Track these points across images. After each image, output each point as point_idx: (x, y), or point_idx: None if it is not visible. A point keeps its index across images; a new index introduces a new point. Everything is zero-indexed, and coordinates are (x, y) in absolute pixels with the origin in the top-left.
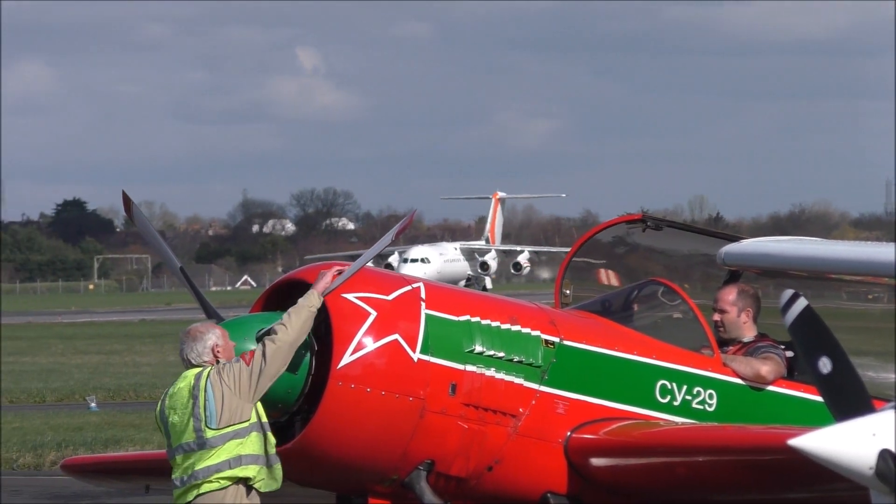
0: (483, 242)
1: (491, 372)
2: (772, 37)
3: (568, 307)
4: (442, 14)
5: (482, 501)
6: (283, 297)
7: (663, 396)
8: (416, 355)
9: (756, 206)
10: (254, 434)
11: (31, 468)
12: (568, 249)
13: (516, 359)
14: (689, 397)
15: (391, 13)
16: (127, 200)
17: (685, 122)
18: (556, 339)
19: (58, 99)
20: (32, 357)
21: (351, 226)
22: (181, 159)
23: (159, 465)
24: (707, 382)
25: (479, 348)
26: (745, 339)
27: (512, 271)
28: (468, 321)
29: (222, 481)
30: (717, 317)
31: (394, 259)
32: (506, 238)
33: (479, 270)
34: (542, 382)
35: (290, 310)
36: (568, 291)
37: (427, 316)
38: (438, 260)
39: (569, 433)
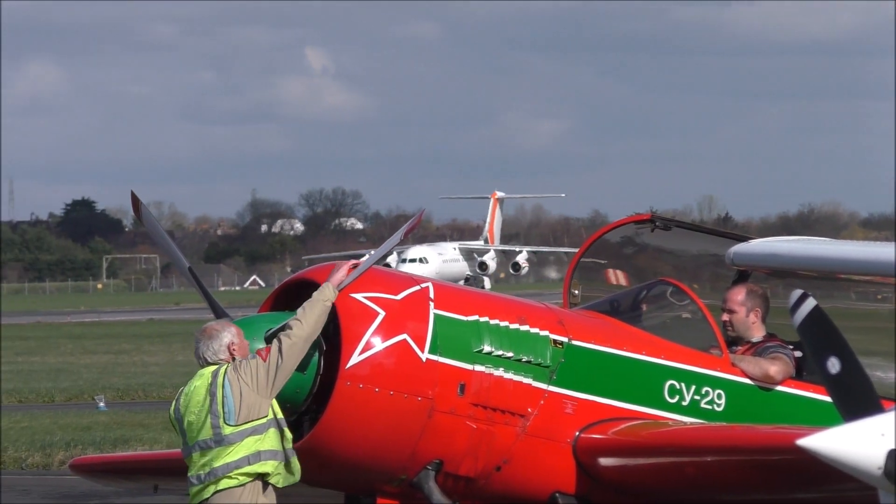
0: (482, 242)
1: (499, 372)
2: (779, 37)
3: (576, 307)
4: (449, 14)
5: (491, 501)
6: (291, 296)
7: (672, 396)
8: (425, 355)
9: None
10: (272, 430)
11: (39, 468)
12: (568, 249)
13: (525, 359)
14: (697, 397)
15: (399, 13)
16: (135, 200)
17: (693, 122)
18: (565, 339)
19: (66, 99)
20: (41, 357)
21: (359, 226)
22: (190, 159)
23: (168, 464)
24: (715, 382)
25: (487, 348)
26: (754, 340)
27: (510, 271)
28: (477, 321)
29: (241, 477)
30: (725, 317)
31: (392, 259)
32: (514, 238)
33: (478, 270)
34: (550, 382)
35: (304, 304)
36: (577, 291)
37: (435, 316)
38: (437, 260)
39: (577, 433)
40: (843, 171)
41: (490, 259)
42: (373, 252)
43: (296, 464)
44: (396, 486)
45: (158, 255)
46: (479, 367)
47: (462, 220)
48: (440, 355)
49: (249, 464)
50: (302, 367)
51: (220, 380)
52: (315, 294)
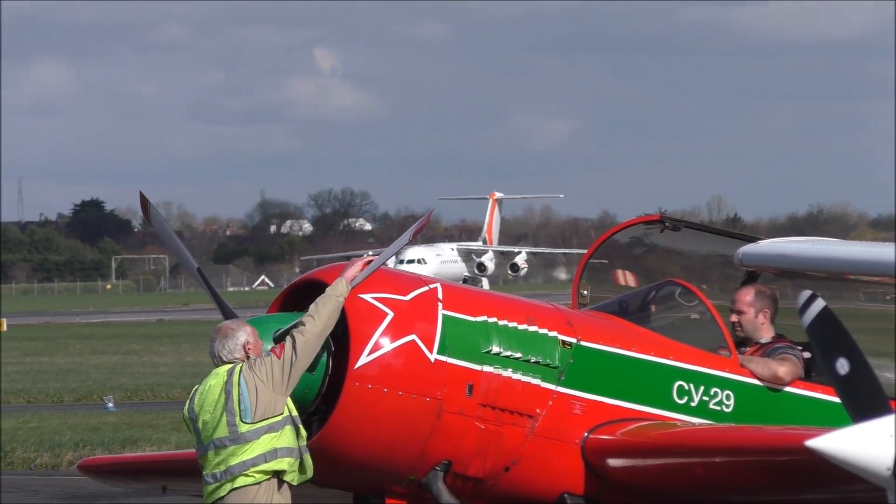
0: (480, 243)
1: (508, 372)
2: (790, 37)
3: (585, 308)
4: (459, 15)
5: (499, 502)
6: (300, 297)
7: (680, 397)
8: (434, 356)
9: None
10: (287, 427)
11: (48, 468)
12: (567, 250)
13: (533, 359)
14: (706, 398)
15: (409, 14)
16: (144, 201)
17: (702, 123)
18: (574, 340)
19: (75, 99)
20: (50, 357)
21: (368, 226)
22: (199, 160)
23: (176, 465)
24: (724, 383)
25: (496, 349)
26: (763, 340)
27: (509, 272)
28: (485, 322)
29: (257, 475)
30: (734, 318)
31: (390, 260)
32: (523, 238)
33: (476, 271)
34: (559, 383)
35: (317, 300)
36: (585, 292)
37: (444, 316)
38: (435, 261)
39: (586, 434)
40: (852, 171)
41: (488, 260)
42: (383, 252)
43: (308, 461)
44: (405, 487)
45: (167, 255)
46: (487, 368)
47: (471, 221)
48: (449, 356)
49: (266, 461)
50: (311, 367)
51: (235, 378)
52: (328, 289)
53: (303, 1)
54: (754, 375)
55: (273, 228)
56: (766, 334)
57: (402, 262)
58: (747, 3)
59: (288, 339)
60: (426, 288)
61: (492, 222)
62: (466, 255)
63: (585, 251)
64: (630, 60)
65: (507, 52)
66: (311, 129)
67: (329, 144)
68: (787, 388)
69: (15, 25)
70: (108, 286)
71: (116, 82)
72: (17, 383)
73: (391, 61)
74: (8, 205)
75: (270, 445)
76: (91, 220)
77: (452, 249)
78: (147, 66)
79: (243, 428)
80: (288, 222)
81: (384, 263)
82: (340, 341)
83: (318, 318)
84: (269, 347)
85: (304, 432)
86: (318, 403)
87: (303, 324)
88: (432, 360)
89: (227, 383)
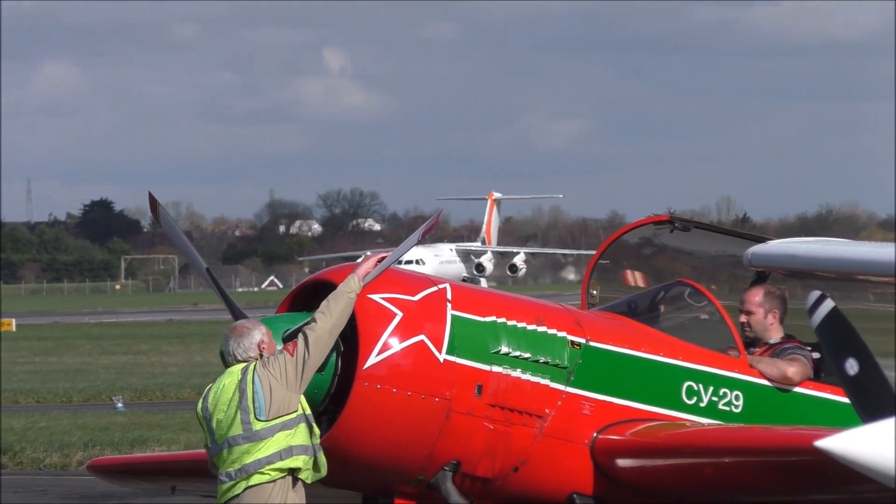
0: (479, 244)
1: (517, 373)
2: (799, 37)
3: (594, 308)
4: (468, 15)
5: (508, 502)
6: (309, 297)
7: (689, 397)
8: (442, 356)
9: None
10: (301, 425)
11: (57, 468)
12: (566, 251)
13: (542, 360)
14: (715, 398)
15: (418, 14)
16: (153, 201)
17: (712, 123)
18: (583, 340)
19: (85, 99)
20: (59, 357)
21: (377, 226)
22: (208, 160)
23: (186, 465)
24: (733, 384)
25: (505, 349)
26: (772, 341)
27: (508, 273)
28: (494, 322)
29: (272, 473)
30: (743, 318)
31: None
32: (532, 238)
33: (475, 272)
34: (568, 383)
35: (328, 297)
36: (595, 292)
37: (453, 317)
38: (433, 261)
39: (595, 434)
40: (862, 171)
41: (487, 261)
42: (393, 251)
43: (322, 459)
44: (414, 487)
45: (176, 255)
46: (496, 368)
47: (479, 221)
48: (457, 356)
49: (281, 459)
50: (320, 367)
51: (249, 376)
52: (340, 286)
53: (312, 1)
54: (763, 376)
55: (282, 229)
56: (775, 335)
57: (399, 262)
58: (755, 4)
59: (300, 336)
60: (435, 288)
61: (490, 222)
62: (465, 256)
63: (585, 252)
64: (638, 60)
65: (516, 52)
66: (320, 130)
67: (338, 145)
68: (797, 389)
69: (24, 25)
70: (118, 286)
71: (125, 82)
72: (26, 383)
73: (400, 61)
74: (17, 205)
75: (286, 443)
76: (100, 221)
77: (451, 250)
78: (156, 66)
79: (258, 426)
80: (297, 223)
81: (396, 262)
82: (349, 341)
83: (330, 315)
84: (283, 345)
85: (317, 430)
86: (327, 403)
87: (315, 321)
88: (441, 361)
89: (242, 381)
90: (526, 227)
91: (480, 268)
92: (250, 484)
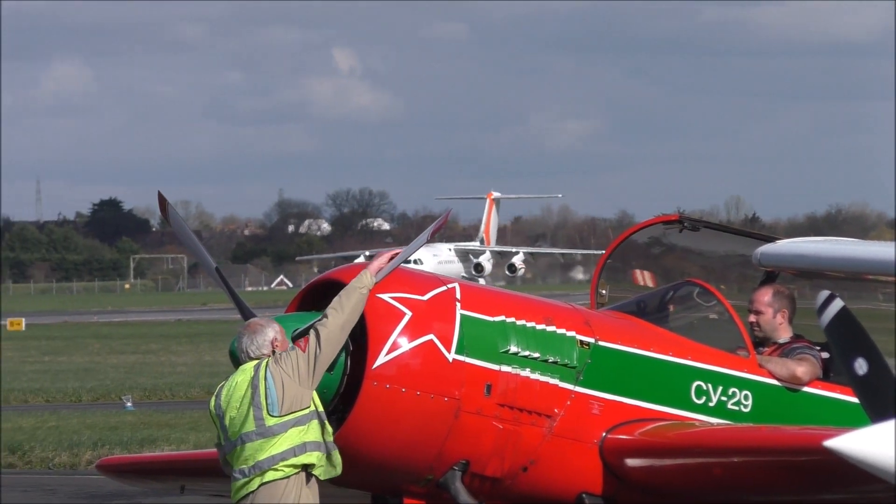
0: (478, 243)
1: (526, 372)
2: (808, 37)
3: (603, 308)
4: (477, 15)
5: (517, 502)
6: (318, 297)
7: (698, 397)
8: (452, 356)
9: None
10: (314, 421)
11: (66, 467)
12: (565, 251)
13: (551, 359)
14: (724, 398)
15: (426, 14)
16: (163, 200)
17: (721, 123)
18: (592, 340)
19: (94, 99)
20: (69, 356)
21: (386, 226)
22: (217, 159)
23: (195, 465)
24: (742, 383)
25: (514, 349)
26: (781, 340)
27: (507, 273)
28: (503, 321)
29: (286, 469)
30: (752, 318)
31: None
32: (541, 238)
33: (473, 272)
34: (577, 383)
35: (340, 292)
36: (604, 292)
37: (462, 316)
38: (432, 261)
39: (604, 434)
40: (871, 171)
41: (486, 260)
42: (403, 250)
43: (337, 457)
44: (423, 487)
45: (185, 255)
46: (505, 368)
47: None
48: (467, 356)
49: (295, 455)
50: (329, 367)
51: (262, 372)
52: (353, 281)
53: (321, 1)
54: (772, 375)
55: (291, 228)
56: (784, 334)
57: (407, 262)
58: (764, 3)
59: (312, 332)
60: (444, 288)
61: (489, 222)
62: (464, 256)
63: (585, 252)
64: (646, 60)
65: (523, 52)
66: (329, 129)
67: (347, 144)
68: (806, 389)
69: (32, 25)
70: (127, 286)
71: (135, 82)
72: (35, 382)
73: (409, 61)
74: (26, 204)
75: (300, 439)
76: (109, 220)
77: (450, 250)
78: (165, 65)
79: (270, 421)
80: (306, 222)
81: (407, 260)
82: (358, 341)
83: (342, 311)
84: (295, 342)
85: (329, 428)
86: (336, 403)
87: (326, 317)
88: (450, 360)
89: (254, 378)
90: (535, 227)
91: (479, 268)
92: (265, 480)
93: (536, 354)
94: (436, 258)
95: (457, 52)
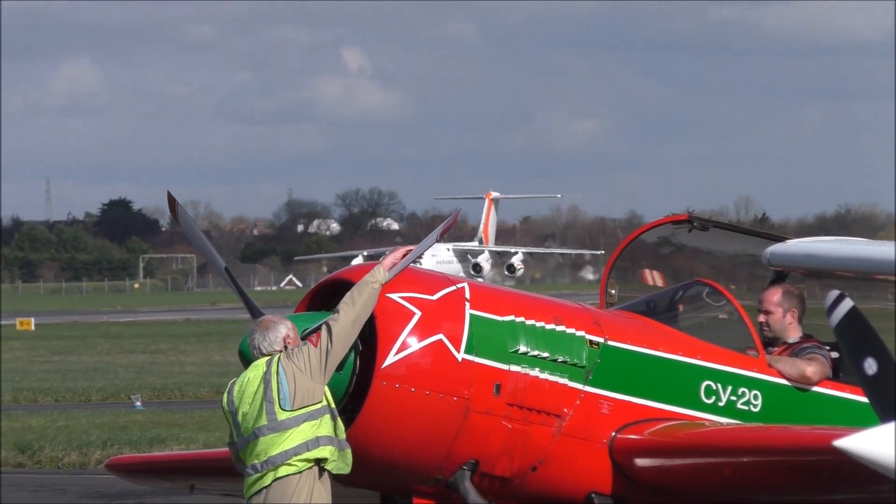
0: (476, 243)
1: (535, 372)
2: (819, 37)
3: (613, 307)
4: (487, 15)
5: (526, 501)
6: (327, 296)
7: (708, 397)
8: (461, 355)
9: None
10: (327, 416)
11: (76, 467)
12: (565, 251)
13: (561, 359)
14: (733, 398)
15: (437, 14)
16: (172, 200)
17: (731, 123)
18: (601, 340)
19: (104, 99)
20: (78, 356)
21: (396, 226)
22: (226, 159)
23: (204, 464)
24: (752, 383)
25: (523, 348)
26: (791, 340)
27: (506, 273)
28: (512, 321)
29: (299, 464)
30: (762, 318)
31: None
32: (550, 237)
33: (472, 272)
34: (586, 383)
35: (353, 287)
36: (613, 291)
37: (471, 316)
38: (430, 261)
39: (613, 433)
40: (881, 171)
41: (484, 261)
42: (414, 248)
43: (349, 455)
44: (432, 486)
45: (195, 254)
46: (514, 368)
47: (499, 221)
48: (476, 355)
49: (308, 449)
50: (338, 366)
51: (274, 367)
52: (366, 276)
53: (331, 1)
54: (782, 375)
55: (300, 228)
56: (793, 334)
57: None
58: (776, 3)
59: (324, 326)
60: (453, 287)
61: (488, 222)
62: (462, 256)
63: (584, 252)
64: (657, 60)
65: (535, 51)
66: (338, 129)
67: (357, 144)
68: (815, 388)
69: (43, 25)
70: (136, 285)
71: (145, 82)
72: (45, 382)
73: (419, 61)
74: (36, 204)
75: (312, 434)
76: (119, 220)
77: (448, 250)
78: (175, 65)
79: (282, 415)
80: (315, 222)
81: (418, 259)
82: (368, 340)
83: (353, 306)
84: (307, 337)
85: (341, 425)
86: (345, 402)
87: (338, 312)
88: (459, 360)
89: (266, 373)
90: (545, 227)
91: (477, 268)
92: (278, 476)
93: (546, 354)
94: (434, 258)
95: (467, 53)
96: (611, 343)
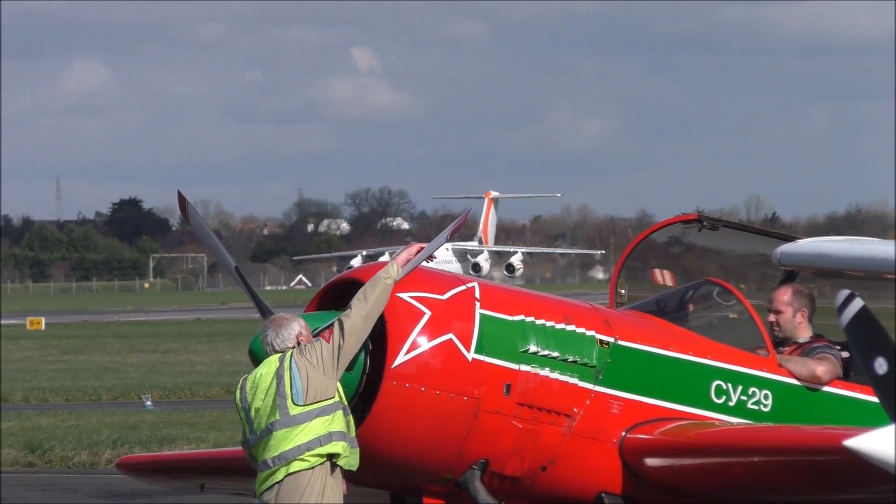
0: (476, 243)
1: (545, 372)
2: (828, 36)
3: (623, 307)
4: (496, 14)
5: (536, 501)
6: (337, 296)
7: (718, 397)
8: (471, 355)
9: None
10: (339, 412)
11: (86, 466)
12: (564, 251)
13: (571, 359)
14: (744, 398)
15: (446, 13)
16: (182, 200)
17: (741, 122)
18: (611, 339)
19: (113, 98)
20: (88, 355)
21: (406, 225)
22: (237, 159)
23: (214, 463)
24: (762, 383)
25: (533, 348)
26: (801, 340)
27: (505, 273)
28: (522, 321)
29: (312, 459)
30: (772, 317)
31: (385, 259)
32: (560, 237)
33: (471, 272)
34: (596, 382)
35: (366, 283)
36: (623, 291)
37: (481, 315)
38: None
39: (623, 433)
40: (891, 170)
41: (484, 260)
42: (426, 247)
43: (357, 452)
44: (442, 486)
45: (205, 254)
46: (524, 367)
47: (509, 220)
48: (486, 355)
49: (321, 445)
50: (349, 366)
51: (286, 363)
52: (379, 272)
53: (340, 0)
54: (792, 375)
55: (310, 227)
56: (804, 334)
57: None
58: (784, 3)
59: (336, 322)
60: (463, 287)
61: (487, 222)
62: (462, 256)
63: (584, 252)
64: (666, 60)
65: (544, 51)
66: (348, 128)
67: (367, 143)
68: (826, 388)
69: (52, 24)
70: (146, 285)
71: (154, 81)
72: (55, 381)
73: (428, 60)
74: (46, 204)
75: (325, 429)
76: (129, 219)
77: (447, 249)
78: (184, 65)
79: (295, 410)
80: (325, 221)
81: (429, 258)
82: (378, 340)
83: (365, 302)
84: (320, 333)
85: (352, 423)
86: (355, 402)
87: (350, 308)
88: (469, 360)
89: (279, 369)
90: (554, 226)
91: (477, 267)
92: (290, 471)
93: (556, 354)
94: (434, 258)
95: (476, 52)
96: (621, 343)
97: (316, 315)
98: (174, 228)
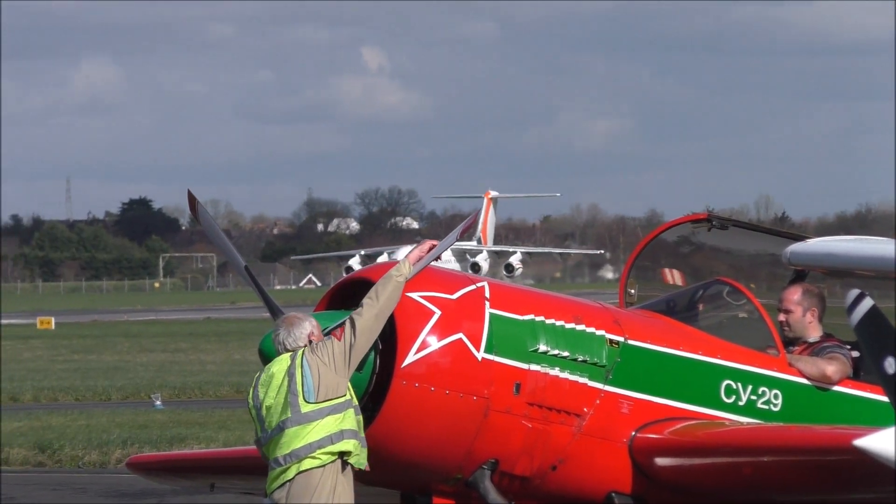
0: (475, 243)
1: (555, 371)
2: (838, 36)
3: (633, 306)
4: (506, 14)
5: (546, 501)
6: (347, 296)
7: (728, 396)
8: (481, 354)
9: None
10: (350, 410)
11: (96, 466)
12: (564, 250)
13: (581, 358)
14: (754, 397)
15: (456, 13)
16: (192, 199)
17: (751, 122)
18: (621, 339)
19: (124, 98)
20: (98, 355)
21: (415, 225)
22: (246, 158)
23: (224, 463)
24: (772, 382)
25: (543, 347)
26: (811, 339)
27: (504, 273)
28: (532, 320)
29: (323, 457)
30: (782, 317)
31: (384, 259)
32: (570, 237)
33: (470, 272)
34: (606, 382)
35: (378, 281)
36: (633, 291)
37: (491, 315)
38: None
39: (633, 433)
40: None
41: (483, 260)
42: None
43: (366, 452)
44: (452, 486)
45: (215, 253)
46: (534, 367)
47: (518, 220)
48: (496, 355)
49: (332, 442)
50: (359, 366)
51: (298, 361)
52: (391, 270)
53: (350, 0)
54: (802, 374)
55: (320, 227)
56: (813, 333)
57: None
58: (794, 3)
59: (347, 320)
60: (473, 286)
61: (486, 221)
62: (461, 255)
63: (583, 252)
64: (677, 59)
65: (553, 51)
66: (358, 128)
67: (376, 143)
68: (836, 388)
69: (62, 24)
70: (156, 284)
71: (164, 81)
72: (65, 381)
73: (438, 60)
74: (56, 203)
75: (337, 427)
76: (139, 219)
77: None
78: (194, 65)
79: (306, 408)
80: (335, 221)
81: (439, 257)
82: (388, 340)
83: (377, 299)
84: (331, 331)
85: (362, 422)
86: (365, 402)
87: (362, 306)
88: (479, 359)
89: (291, 367)
90: (564, 226)
91: (476, 267)
92: (302, 469)
93: (566, 353)
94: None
95: (486, 52)
96: (631, 342)
97: (327, 314)
98: (184, 228)
